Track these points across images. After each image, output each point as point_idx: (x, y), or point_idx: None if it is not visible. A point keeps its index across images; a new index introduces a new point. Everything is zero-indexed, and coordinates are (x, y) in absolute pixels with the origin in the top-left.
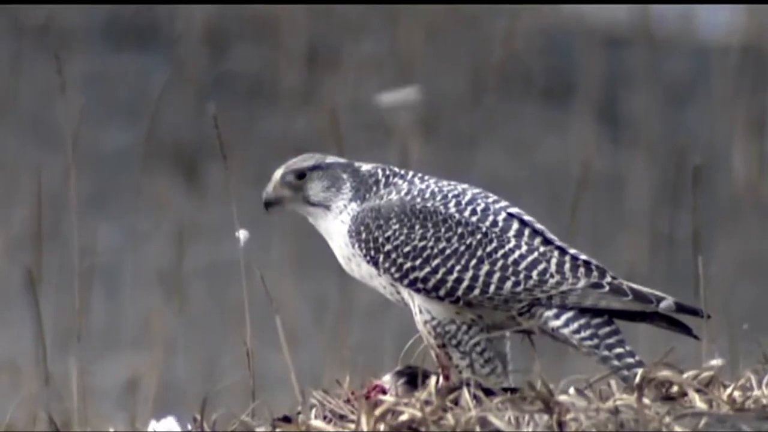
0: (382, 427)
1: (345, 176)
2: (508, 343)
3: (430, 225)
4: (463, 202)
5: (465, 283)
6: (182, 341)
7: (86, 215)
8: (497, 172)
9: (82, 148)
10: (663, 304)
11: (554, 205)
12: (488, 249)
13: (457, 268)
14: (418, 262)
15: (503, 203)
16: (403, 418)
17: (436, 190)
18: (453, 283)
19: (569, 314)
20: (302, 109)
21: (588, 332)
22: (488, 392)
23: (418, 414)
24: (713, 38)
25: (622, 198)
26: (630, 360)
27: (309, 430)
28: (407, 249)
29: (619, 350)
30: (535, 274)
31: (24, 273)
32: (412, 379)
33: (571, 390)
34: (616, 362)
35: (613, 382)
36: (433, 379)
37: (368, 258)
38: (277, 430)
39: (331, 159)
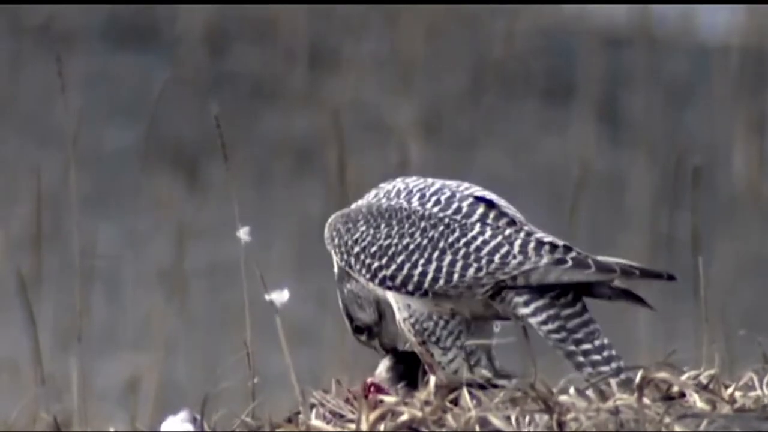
0: (382, 427)
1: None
2: (493, 335)
3: (394, 223)
4: (428, 194)
5: (430, 276)
6: (182, 341)
7: (86, 215)
8: (497, 172)
9: (82, 148)
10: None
11: (554, 205)
12: (450, 239)
13: (421, 261)
14: (384, 260)
15: (474, 189)
16: (403, 418)
17: (402, 187)
18: (419, 277)
19: (539, 303)
20: (303, 109)
21: (556, 324)
22: (483, 388)
23: (418, 414)
24: (713, 38)
25: (622, 198)
26: (596, 357)
27: (309, 430)
28: (374, 249)
29: (586, 346)
30: (497, 257)
31: (22, 274)
32: (407, 367)
33: (572, 390)
34: (581, 358)
35: (613, 382)
36: (432, 379)
37: (343, 262)
38: (277, 430)
39: None
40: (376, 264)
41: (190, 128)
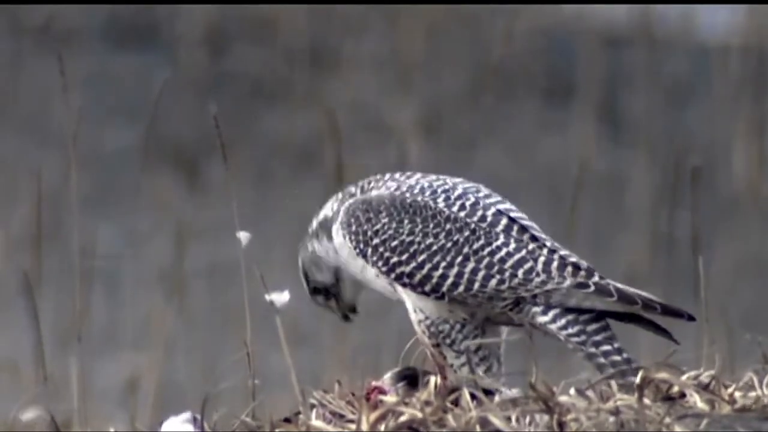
0: (382, 427)
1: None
2: (502, 344)
3: (419, 220)
4: (453, 197)
5: (450, 280)
6: (182, 341)
7: (86, 215)
8: (497, 172)
9: (82, 148)
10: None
11: (554, 205)
12: (475, 246)
13: (443, 264)
14: (404, 257)
15: (494, 198)
16: (404, 418)
17: (426, 185)
18: (438, 279)
19: (557, 310)
20: (302, 109)
21: (575, 328)
22: (488, 392)
23: (419, 414)
24: (713, 38)
25: (622, 198)
26: (617, 358)
27: (309, 430)
28: (394, 243)
29: (606, 347)
30: (520, 272)
31: (26, 274)
32: (413, 380)
33: (572, 390)
34: (602, 359)
35: (613, 383)
36: (433, 380)
37: (358, 251)
38: (277, 430)
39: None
40: (395, 259)
41: (190, 128)
